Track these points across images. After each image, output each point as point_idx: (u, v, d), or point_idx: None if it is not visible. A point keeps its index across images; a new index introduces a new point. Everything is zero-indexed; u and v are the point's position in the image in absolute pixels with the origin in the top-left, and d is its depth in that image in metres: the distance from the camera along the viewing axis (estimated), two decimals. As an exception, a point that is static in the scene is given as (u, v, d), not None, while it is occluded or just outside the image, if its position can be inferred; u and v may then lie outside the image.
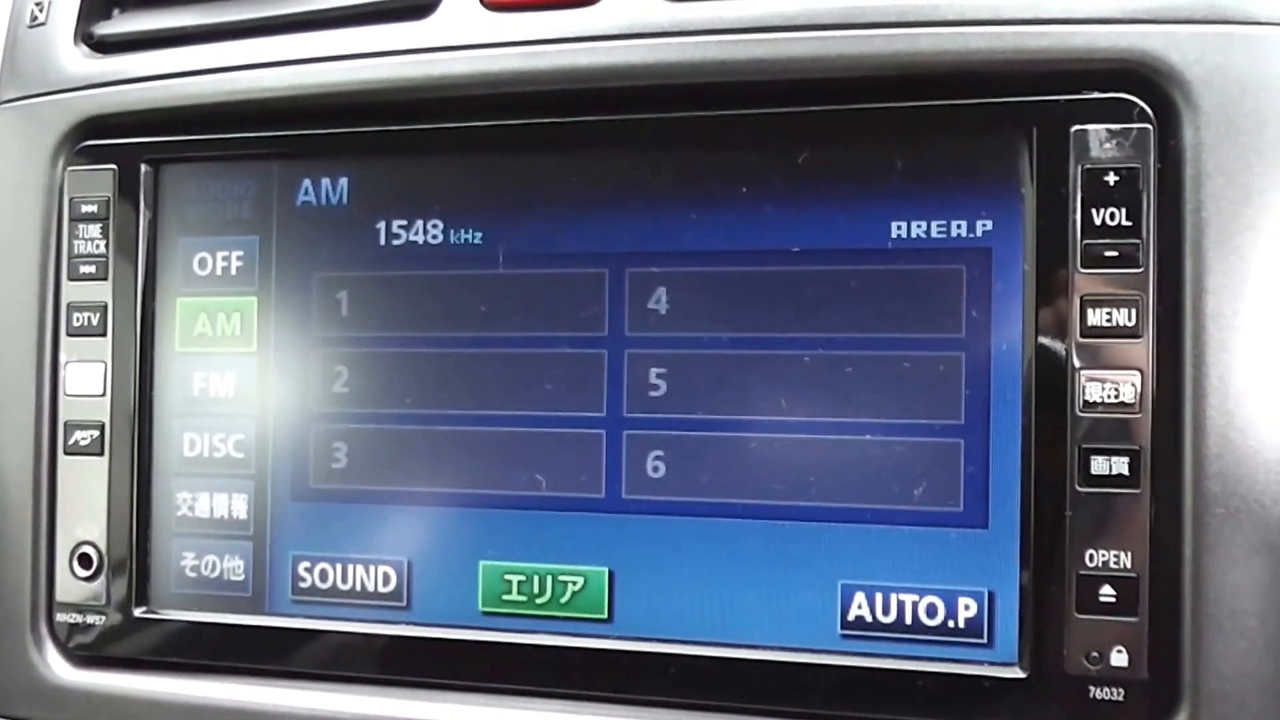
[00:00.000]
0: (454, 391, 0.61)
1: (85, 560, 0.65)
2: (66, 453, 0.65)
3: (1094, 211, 0.53)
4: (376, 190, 0.63)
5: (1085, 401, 0.53)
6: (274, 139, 0.64)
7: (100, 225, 0.65)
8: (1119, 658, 0.52)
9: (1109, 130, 0.53)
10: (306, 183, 0.64)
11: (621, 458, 0.59)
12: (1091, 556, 0.53)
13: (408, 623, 0.62)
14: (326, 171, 0.63)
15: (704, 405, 0.58)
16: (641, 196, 0.59)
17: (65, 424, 0.66)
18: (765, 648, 0.57)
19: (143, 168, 0.65)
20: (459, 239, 0.61)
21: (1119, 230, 0.53)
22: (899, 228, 0.56)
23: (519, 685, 0.60)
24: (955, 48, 0.55)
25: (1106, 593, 0.53)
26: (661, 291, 0.59)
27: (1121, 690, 0.52)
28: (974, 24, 0.55)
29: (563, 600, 0.59)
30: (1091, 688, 0.53)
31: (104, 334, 0.65)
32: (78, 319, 0.65)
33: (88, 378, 0.65)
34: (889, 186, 0.56)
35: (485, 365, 0.61)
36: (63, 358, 0.66)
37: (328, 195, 0.63)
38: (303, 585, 0.63)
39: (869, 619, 0.56)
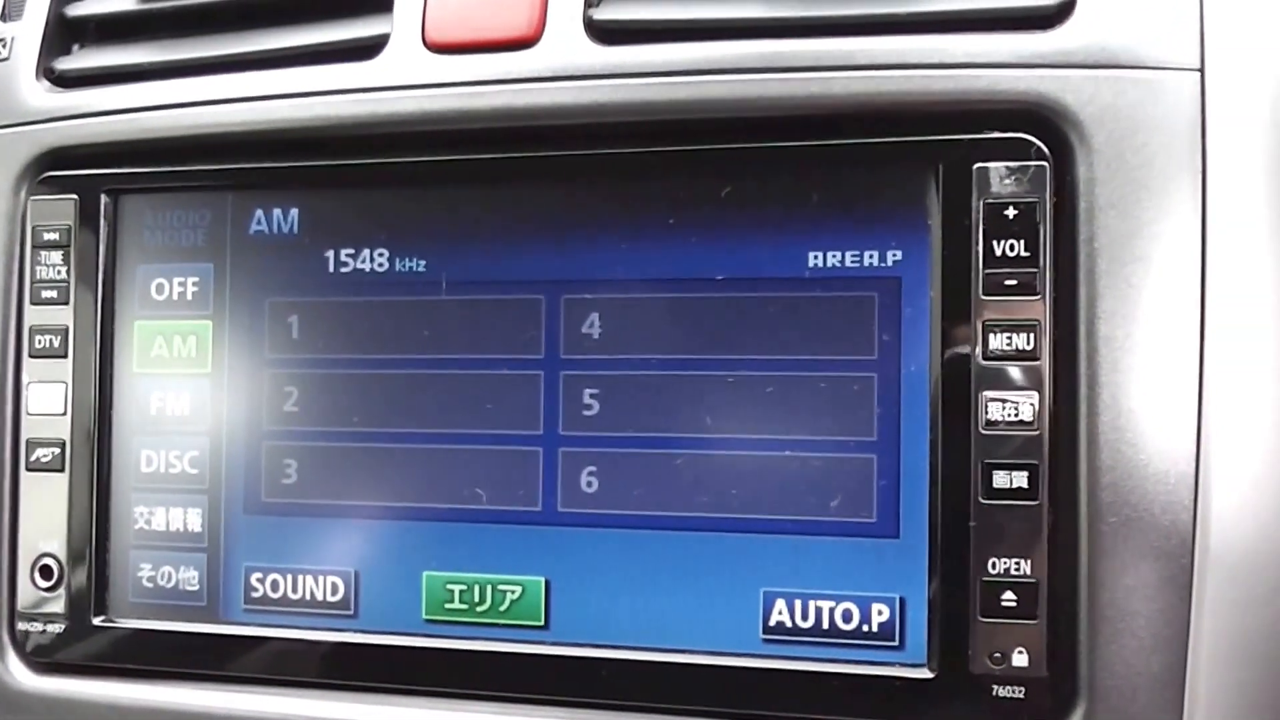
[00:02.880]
0: (399, 411, 0.62)
1: (46, 571, 0.65)
2: (29, 469, 0.66)
3: (995, 243, 0.54)
4: (325, 220, 0.63)
5: (987, 420, 0.54)
6: (228, 171, 0.65)
7: (62, 252, 0.66)
8: (1020, 658, 0.53)
9: (1008, 167, 0.54)
10: (259, 213, 0.64)
11: (557, 473, 0.60)
12: (994, 564, 0.54)
13: (355, 630, 0.62)
14: (278, 202, 0.64)
15: (634, 424, 0.59)
16: (576, 227, 0.60)
17: (27, 441, 0.66)
18: (692, 652, 0.57)
19: (102, 198, 0.66)
20: (404, 267, 0.62)
21: (1018, 260, 0.54)
22: (816, 257, 0.57)
23: (461, 689, 0.60)
24: (867, 90, 0.56)
25: (1008, 598, 0.54)
26: (594, 317, 0.60)
27: (1022, 688, 0.53)
28: (884, 68, 0.56)
29: (502, 608, 0.60)
30: (995, 686, 0.54)
31: (65, 356, 0.65)
32: (40, 341, 0.66)
33: (49, 397, 0.66)
34: (806, 218, 0.57)
35: (428, 386, 0.61)
36: (25, 378, 0.66)
37: (279, 225, 0.64)
38: (255, 595, 0.63)
39: (789, 624, 0.57)
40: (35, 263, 0.66)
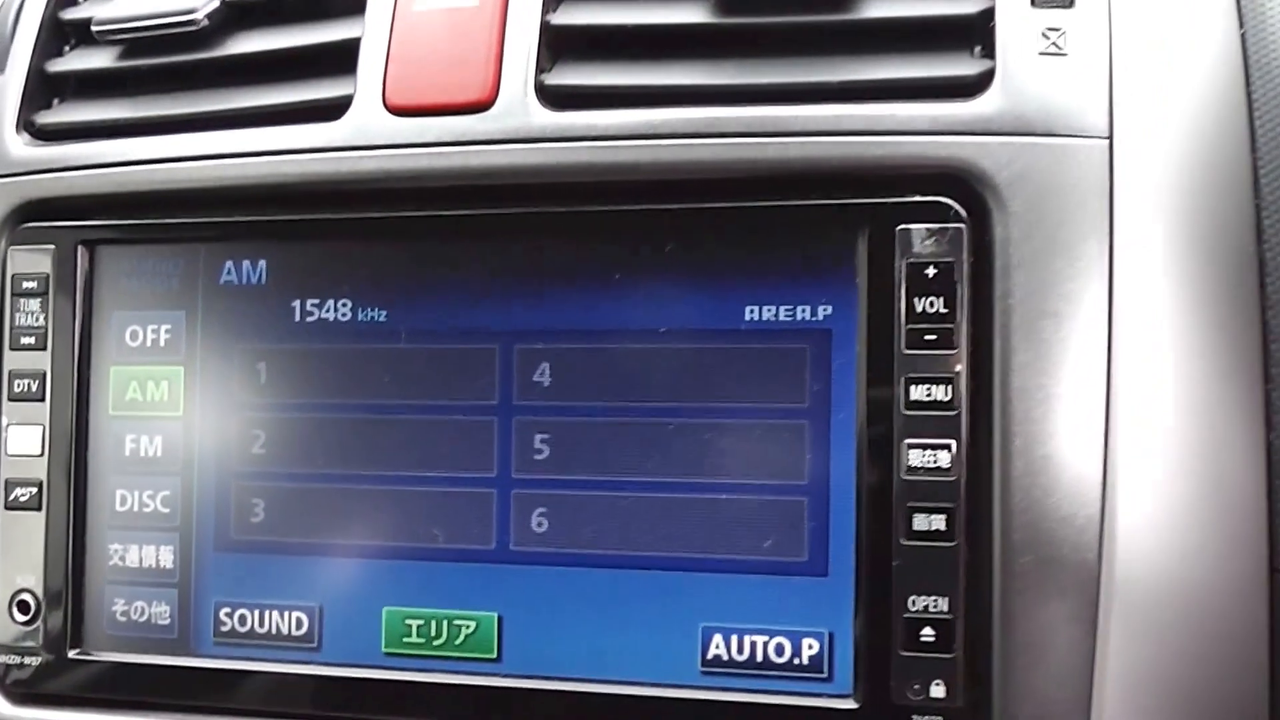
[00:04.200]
0: (361, 453, 0.63)
1: (23, 606, 0.66)
2: (7, 508, 0.67)
3: (916, 300, 0.57)
4: (292, 272, 0.65)
5: (909, 466, 0.56)
6: (200, 225, 0.66)
7: (40, 300, 0.67)
8: (938, 689, 0.56)
9: (928, 229, 0.57)
10: (229, 264, 0.66)
11: (510, 514, 0.62)
12: (914, 601, 0.56)
13: (319, 662, 0.63)
14: (247, 254, 0.65)
15: (582, 467, 0.61)
16: (528, 281, 0.62)
17: (6, 481, 0.67)
18: (636, 683, 0.59)
19: (79, 249, 0.67)
20: (365, 316, 0.64)
21: (937, 316, 0.57)
22: (752, 311, 0.59)
23: (418, 718, 0.62)
24: (799, 155, 0.58)
25: (927, 633, 0.56)
26: (545, 366, 0.61)
27: (940, 717, 0.56)
28: (815, 135, 0.58)
29: (457, 642, 0.62)
30: (915, 716, 0.56)
31: (43, 399, 0.67)
32: (18, 385, 0.67)
33: (27, 439, 0.67)
34: (743, 274, 0.59)
35: (389, 430, 0.63)
36: (4, 420, 0.68)
37: (248, 275, 0.65)
38: (224, 629, 0.65)
39: (725, 657, 0.59)
40: (14, 310, 0.68)
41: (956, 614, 0.56)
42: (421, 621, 0.62)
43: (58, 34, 0.72)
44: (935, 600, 0.56)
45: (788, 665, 0.58)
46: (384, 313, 0.64)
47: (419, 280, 0.63)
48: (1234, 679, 0.57)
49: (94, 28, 0.69)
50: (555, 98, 0.62)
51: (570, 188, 0.62)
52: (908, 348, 0.57)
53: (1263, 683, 0.57)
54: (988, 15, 0.59)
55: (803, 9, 0.61)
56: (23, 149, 0.69)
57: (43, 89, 0.71)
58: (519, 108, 0.62)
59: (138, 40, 0.68)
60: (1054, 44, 0.58)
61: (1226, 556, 0.57)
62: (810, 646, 0.58)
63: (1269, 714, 0.58)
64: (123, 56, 0.69)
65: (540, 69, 0.62)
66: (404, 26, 0.64)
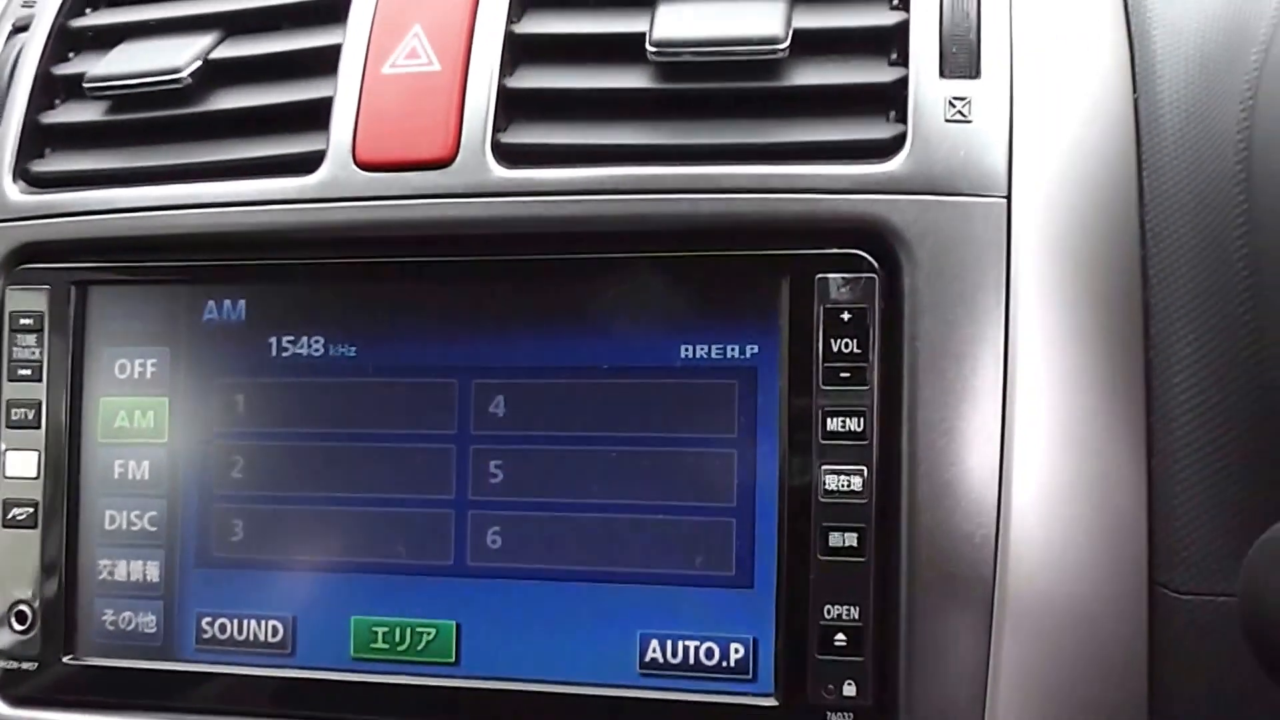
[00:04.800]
0: (331, 477, 0.66)
1: (21, 616, 0.69)
2: (5, 526, 0.69)
3: (832, 341, 0.60)
4: (269, 311, 0.67)
5: (825, 489, 0.60)
6: (183, 267, 0.68)
7: (35, 336, 0.69)
8: (849, 689, 0.59)
9: (844, 278, 0.60)
10: (210, 304, 0.68)
11: (467, 532, 0.64)
12: (829, 610, 0.59)
13: (293, 666, 0.66)
14: (227, 295, 0.68)
15: (533, 490, 0.64)
16: (485, 321, 0.65)
17: (4, 501, 0.69)
18: (581, 684, 0.62)
19: (72, 289, 0.69)
20: (336, 352, 0.66)
21: (851, 356, 0.60)
22: (686, 350, 0.62)
23: (383, 717, 0.64)
24: (729, 210, 0.62)
25: (840, 639, 0.59)
26: (500, 398, 0.64)
27: (851, 714, 0.59)
28: (744, 192, 0.62)
29: (419, 648, 0.64)
30: (829, 713, 0.59)
31: (38, 427, 0.69)
32: (15, 414, 0.69)
33: (24, 463, 0.69)
34: (678, 317, 0.62)
35: (357, 456, 0.66)
36: (2, 446, 0.70)
37: (228, 314, 0.68)
38: (205, 636, 0.67)
39: (661, 660, 0.62)
40: (12, 344, 0.70)
41: (866, 622, 0.59)
42: (386, 629, 0.65)
43: (50, 88, 0.74)
44: (848, 609, 0.59)
45: (716, 667, 0.61)
46: (353, 349, 0.66)
47: (386, 320, 0.66)
48: (1116, 684, 0.61)
49: (85, 84, 0.71)
50: (510, 155, 0.65)
51: (523, 238, 0.65)
52: (825, 384, 0.60)
53: (1142, 687, 0.61)
54: (901, 84, 0.62)
55: (734, 77, 0.63)
56: (18, 196, 0.71)
57: (36, 139, 0.73)
58: (477, 164, 0.65)
59: (125, 96, 0.71)
60: (960, 111, 0.61)
61: (1110, 572, 0.61)
62: (737, 650, 0.61)
63: (1148, 717, 0.61)
64: (111, 110, 0.72)
65: (497, 129, 0.65)
66: (372, 88, 0.67)
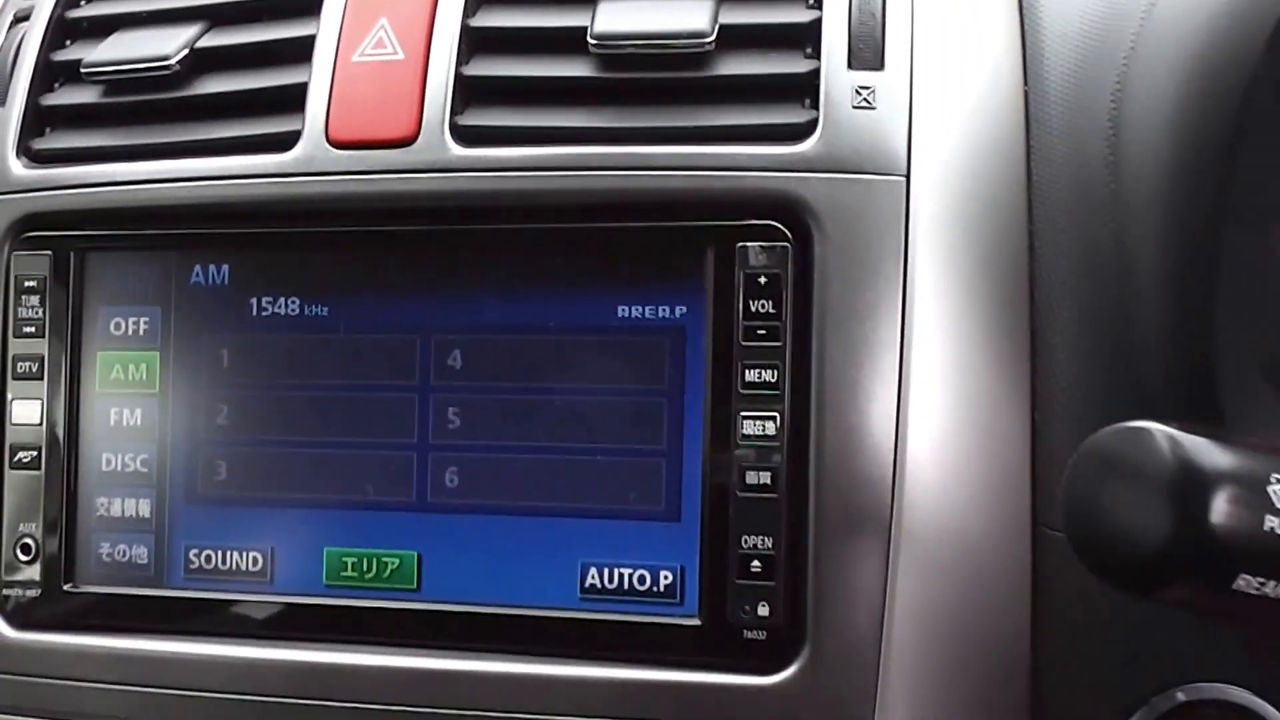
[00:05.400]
0: (306, 424, 0.69)
1: (26, 549, 0.72)
2: (11, 468, 0.72)
3: (751, 302, 0.64)
4: (250, 275, 0.70)
5: (743, 435, 0.63)
6: (172, 236, 0.71)
7: (39, 296, 0.72)
8: (764, 610, 0.63)
9: (761, 246, 0.64)
10: (197, 268, 0.71)
11: (428, 472, 0.67)
12: (746, 541, 0.63)
13: (271, 593, 0.69)
14: (212, 260, 0.71)
15: (486, 434, 0.67)
16: (444, 285, 0.68)
17: (10, 446, 0.72)
18: (529, 606, 0.66)
19: (71, 254, 0.72)
20: (310, 312, 0.69)
21: (767, 316, 0.63)
22: (623, 310, 0.66)
23: (352, 637, 0.68)
24: (660, 185, 0.65)
25: (755, 566, 0.63)
26: (457, 353, 0.67)
27: (765, 632, 0.63)
28: (674, 169, 0.65)
29: (384, 576, 0.68)
30: (745, 631, 0.63)
31: (41, 379, 0.72)
32: (20, 367, 0.72)
33: (28, 411, 0.72)
34: (616, 280, 0.66)
35: (329, 405, 0.69)
36: (9, 396, 0.72)
37: (213, 277, 0.71)
38: (193, 566, 0.70)
39: (599, 586, 0.65)
40: (17, 305, 0.73)
41: (779, 552, 0.63)
42: (355, 559, 0.68)
43: (50, 73, 0.76)
44: (762, 540, 0.63)
45: (648, 592, 0.65)
46: (326, 309, 0.69)
47: (355, 283, 0.69)
48: (1002, 612, 0.65)
49: (82, 69, 0.73)
50: (466, 136, 0.68)
51: (478, 210, 0.68)
52: (744, 341, 0.64)
53: (1025, 617, 0.65)
54: (814, 75, 0.65)
55: (667, 67, 0.67)
56: (22, 171, 0.74)
57: (37, 120, 0.76)
58: (437, 143, 0.68)
59: (119, 80, 0.73)
60: (865, 99, 0.65)
61: (997, 512, 0.65)
62: (666, 577, 0.65)
63: (1030, 645, 0.65)
64: (106, 94, 0.74)
65: (454, 112, 0.68)
66: (343, 74, 0.70)
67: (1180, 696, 0.64)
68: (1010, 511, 0.66)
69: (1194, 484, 0.47)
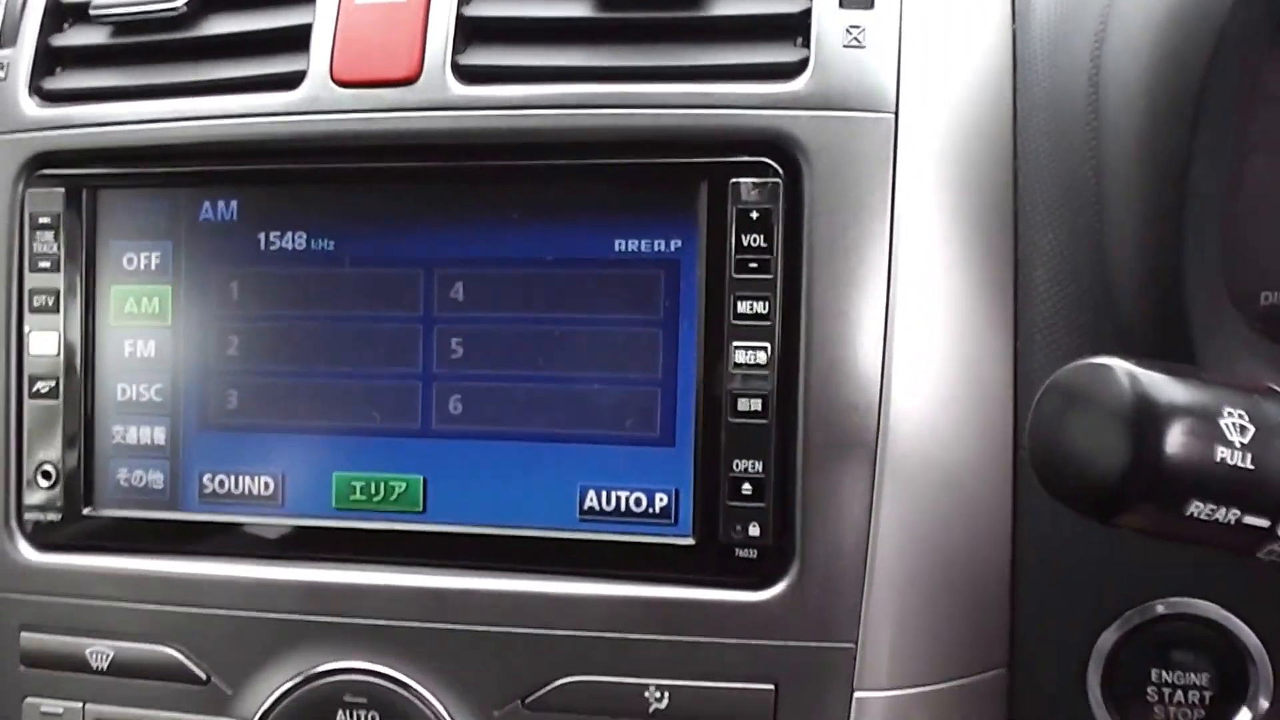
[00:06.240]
0: (314, 354, 0.70)
1: (46, 475, 0.74)
2: (30, 398, 0.74)
3: (743, 236, 0.65)
4: (258, 210, 0.71)
5: (735, 363, 0.65)
6: (182, 173, 0.72)
7: (53, 232, 0.73)
8: (754, 530, 0.65)
9: (754, 183, 0.65)
10: (206, 204, 0.72)
11: (432, 399, 0.69)
12: (738, 465, 0.65)
13: (282, 515, 0.71)
14: (221, 196, 0.72)
15: (489, 363, 0.68)
16: (447, 219, 0.69)
17: (29, 377, 0.74)
18: (530, 527, 0.68)
19: (84, 191, 0.73)
20: (317, 246, 0.70)
21: (759, 250, 0.65)
22: (620, 243, 0.67)
23: (360, 557, 0.69)
24: (655, 123, 0.67)
25: (746, 488, 0.65)
26: (460, 285, 0.69)
27: (755, 551, 0.65)
28: (669, 107, 0.66)
29: (391, 499, 0.69)
30: (737, 550, 0.65)
31: (57, 311, 0.73)
32: (37, 300, 0.74)
33: (45, 343, 0.74)
34: (614, 215, 0.67)
35: (336, 335, 0.70)
36: (27, 329, 0.74)
37: (222, 213, 0.72)
38: (207, 491, 0.72)
39: (597, 508, 0.67)
40: (33, 240, 0.74)
41: (768, 475, 0.65)
42: (363, 483, 0.70)
43: (59, 14, 0.77)
44: (753, 464, 0.65)
45: (644, 514, 0.67)
46: (332, 243, 0.70)
47: (360, 218, 0.70)
48: (982, 534, 0.68)
49: (91, 10, 0.74)
50: (467, 74, 0.69)
51: (479, 146, 0.69)
52: (736, 273, 0.65)
53: (1006, 538, 0.68)
54: (806, 14, 0.66)
55: (663, 7, 0.68)
56: (35, 110, 0.75)
57: (47, 60, 0.76)
58: (438, 82, 0.69)
59: (128, 21, 0.74)
60: (855, 38, 0.66)
61: (979, 437, 0.67)
62: (661, 499, 0.67)
63: (1010, 564, 0.68)
64: (115, 34, 0.75)
65: (456, 51, 0.69)
66: (347, 15, 0.71)
67: (1160, 609, 0.67)
68: (992, 437, 0.68)
69: (1149, 417, 0.49)
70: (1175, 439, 0.49)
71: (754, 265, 0.66)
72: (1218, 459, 0.50)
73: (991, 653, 0.69)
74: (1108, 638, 0.68)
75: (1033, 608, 0.68)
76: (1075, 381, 0.52)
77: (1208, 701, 0.67)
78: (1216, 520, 0.50)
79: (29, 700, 0.74)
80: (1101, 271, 0.67)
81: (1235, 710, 0.67)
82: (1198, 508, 0.50)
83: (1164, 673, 0.67)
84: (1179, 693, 0.68)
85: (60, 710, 0.73)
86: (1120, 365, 0.50)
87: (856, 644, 0.65)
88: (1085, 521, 0.64)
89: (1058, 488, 0.53)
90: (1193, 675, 0.67)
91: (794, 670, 0.65)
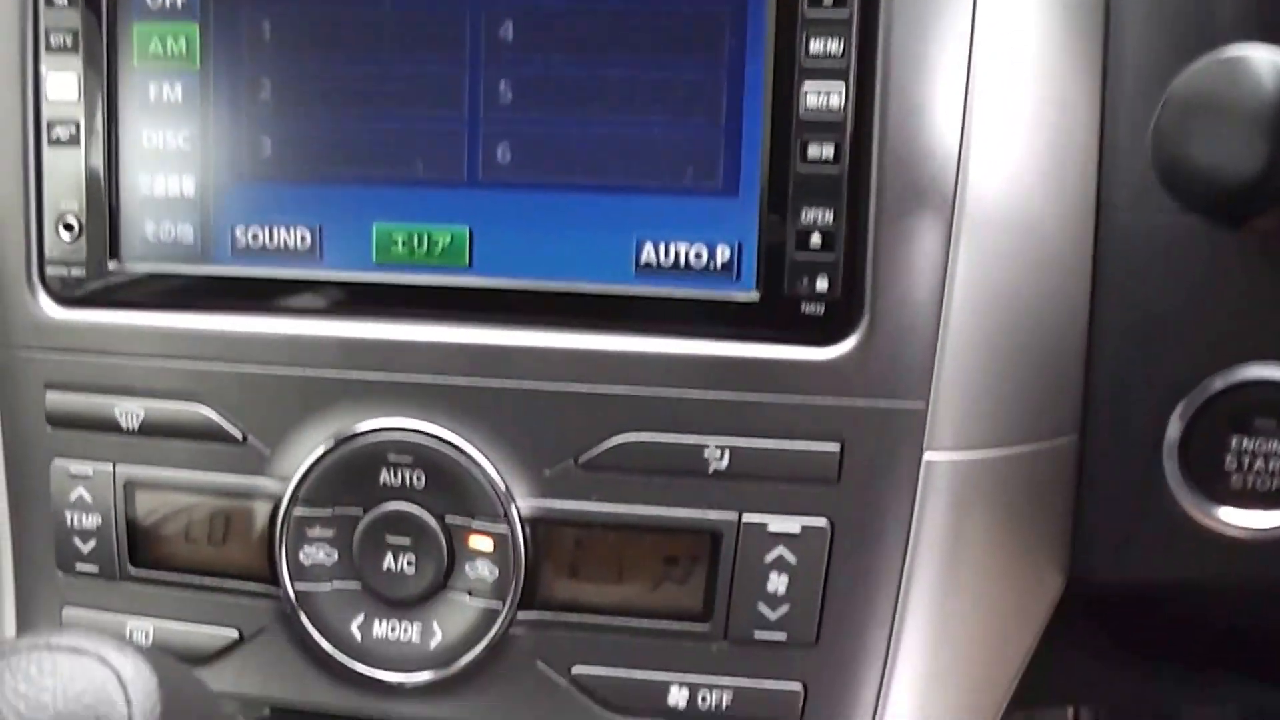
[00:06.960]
0: (353, 99, 0.68)
1: (69, 227, 0.71)
2: (50, 144, 0.71)
3: None
4: None
5: (806, 106, 0.62)
6: None
7: None
8: (822, 283, 0.63)
9: None
10: None
11: (479, 147, 0.66)
12: (806, 215, 0.63)
13: (320, 269, 0.69)
14: None
15: (539, 109, 0.66)
16: None
17: (48, 121, 0.71)
18: (583, 280, 0.66)
19: None
20: None
21: None
22: None
23: (402, 311, 0.68)
24: None
25: (814, 239, 0.63)
26: (509, 23, 0.66)
27: (823, 305, 0.63)
28: None
29: (435, 252, 0.68)
30: (803, 304, 0.63)
31: (76, 51, 0.70)
32: (54, 39, 0.70)
33: (64, 85, 0.70)
34: None
35: (377, 78, 0.67)
36: (43, 70, 0.70)
37: None
38: (239, 245, 0.70)
39: (655, 263, 0.65)
40: None
41: (839, 225, 0.63)
42: (405, 235, 0.68)
43: None
44: (822, 214, 0.63)
45: (705, 268, 0.65)
46: None
47: None
48: (1060, 297, 0.66)
49: None
50: None
51: None
52: (809, 9, 0.62)
53: (1084, 301, 0.67)
54: None
55: None
56: None
57: None
58: None
59: None
60: None
61: (1062, 193, 0.65)
62: (723, 253, 0.65)
63: (1087, 328, 0.67)
64: None
65: None
66: None
67: (1244, 374, 0.65)
68: (1076, 193, 0.66)
69: None
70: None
71: (828, 1, 0.62)
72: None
73: (1064, 417, 0.68)
74: (1189, 404, 0.66)
75: (1109, 372, 0.67)
76: (1207, 79, 0.48)
77: (1288, 470, 0.66)
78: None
79: (57, 461, 0.73)
80: (1196, 25, 0.64)
81: (1316, 480, 0.66)
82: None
83: (1245, 439, 0.66)
84: (1259, 460, 0.66)
85: (90, 471, 0.73)
86: (1261, 56, 0.46)
87: (927, 403, 0.64)
88: (1168, 283, 0.64)
89: (1186, 192, 0.49)
90: (1275, 443, 0.66)
91: (861, 429, 0.64)
